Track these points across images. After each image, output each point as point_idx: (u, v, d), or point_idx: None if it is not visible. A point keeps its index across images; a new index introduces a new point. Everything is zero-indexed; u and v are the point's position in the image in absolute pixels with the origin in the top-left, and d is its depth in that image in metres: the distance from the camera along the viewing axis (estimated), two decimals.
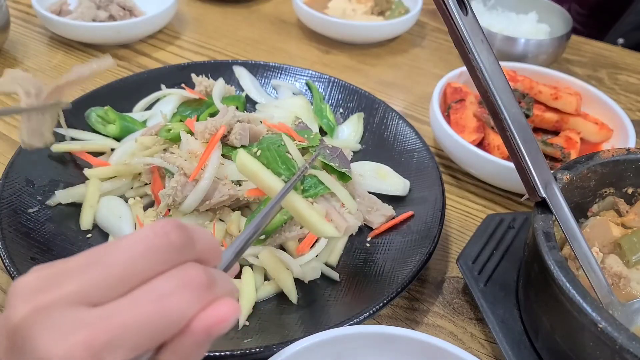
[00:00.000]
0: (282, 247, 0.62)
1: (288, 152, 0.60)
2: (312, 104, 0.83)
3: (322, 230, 0.49)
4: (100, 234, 0.64)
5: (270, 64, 0.88)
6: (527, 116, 0.80)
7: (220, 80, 0.83)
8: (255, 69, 0.88)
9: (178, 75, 0.84)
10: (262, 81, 0.88)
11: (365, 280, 0.60)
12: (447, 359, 0.43)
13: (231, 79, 0.86)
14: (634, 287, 0.51)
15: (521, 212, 0.67)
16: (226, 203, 0.62)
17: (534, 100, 0.82)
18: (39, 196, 0.65)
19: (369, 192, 0.69)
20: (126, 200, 0.66)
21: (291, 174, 0.54)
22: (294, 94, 0.86)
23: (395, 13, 1.11)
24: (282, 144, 0.61)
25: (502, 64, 0.78)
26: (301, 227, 0.59)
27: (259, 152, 0.59)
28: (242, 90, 0.86)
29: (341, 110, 0.84)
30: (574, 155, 0.75)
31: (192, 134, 0.65)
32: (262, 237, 0.60)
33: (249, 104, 0.85)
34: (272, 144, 0.61)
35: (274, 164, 0.55)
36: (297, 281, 0.59)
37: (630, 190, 0.59)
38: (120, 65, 0.99)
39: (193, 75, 0.84)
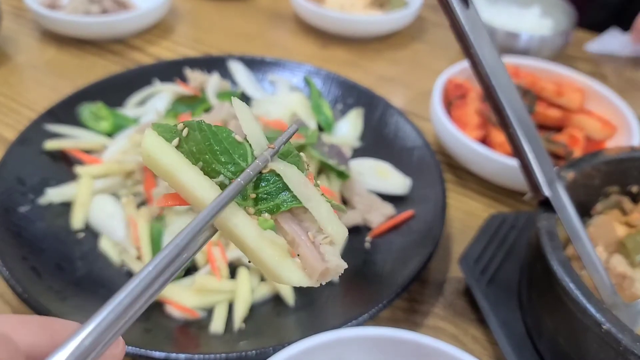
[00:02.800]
0: None
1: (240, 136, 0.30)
2: (309, 100, 0.81)
3: (281, 275, 0.29)
4: (91, 234, 0.63)
5: (267, 59, 0.87)
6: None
7: (215, 76, 0.82)
8: (251, 64, 0.86)
9: (172, 71, 0.83)
10: (258, 76, 0.86)
11: (364, 282, 0.59)
12: None
13: (226, 75, 0.85)
14: (638, 287, 0.50)
15: (524, 212, 0.66)
16: None
17: (537, 97, 0.81)
18: (31, 194, 0.64)
19: (369, 191, 0.68)
20: (119, 199, 0.65)
21: (238, 171, 0.29)
22: (291, 89, 0.85)
23: (395, 6, 1.10)
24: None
25: (505, 59, 0.77)
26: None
27: (185, 132, 0.30)
28: (238, 85, 0.85)
29: (340, 106, 0.83)
30: (577, 153, 0.74)
31: None
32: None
33: (245, 100, 0.84)
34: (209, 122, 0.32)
35: (207, 154, 0.29)
36: None
37: (634, 189, 0.58)
38: (114, 60, 0.98)
39: (187, 71, 0.82)
